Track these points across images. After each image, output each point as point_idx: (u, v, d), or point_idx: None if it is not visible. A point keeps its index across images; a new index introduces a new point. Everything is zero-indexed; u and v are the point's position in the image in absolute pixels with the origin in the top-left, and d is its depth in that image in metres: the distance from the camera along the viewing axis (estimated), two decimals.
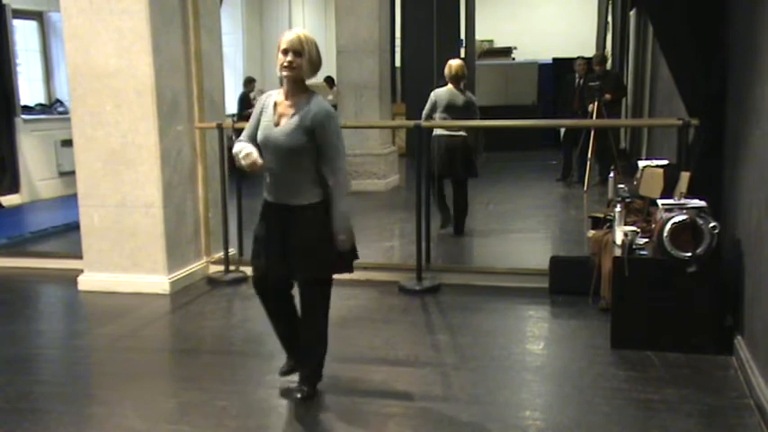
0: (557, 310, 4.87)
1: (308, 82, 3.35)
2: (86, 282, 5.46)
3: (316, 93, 3.36)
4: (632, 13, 11.40)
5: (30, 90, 10.23)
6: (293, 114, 3.26)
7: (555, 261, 5.17)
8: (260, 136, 3.32)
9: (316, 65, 3.27)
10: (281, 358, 3.80)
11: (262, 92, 5.75)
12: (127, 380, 3.86)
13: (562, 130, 11.01)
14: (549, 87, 14.58)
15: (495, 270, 5.56)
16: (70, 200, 6.83)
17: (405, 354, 4.13)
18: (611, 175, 5.51)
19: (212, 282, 5.61)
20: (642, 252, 4.10)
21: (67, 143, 7.37)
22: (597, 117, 9.21)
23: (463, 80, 6.70)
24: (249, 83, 12.55)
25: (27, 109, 9.79)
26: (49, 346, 4.48)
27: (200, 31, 5.54)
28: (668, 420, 3.25)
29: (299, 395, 3.48)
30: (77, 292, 5.45)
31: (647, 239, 4.15)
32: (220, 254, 5.72)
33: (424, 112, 6.65)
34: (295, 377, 3.58)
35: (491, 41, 16.79)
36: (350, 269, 3.48)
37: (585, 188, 9.39)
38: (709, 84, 4.43)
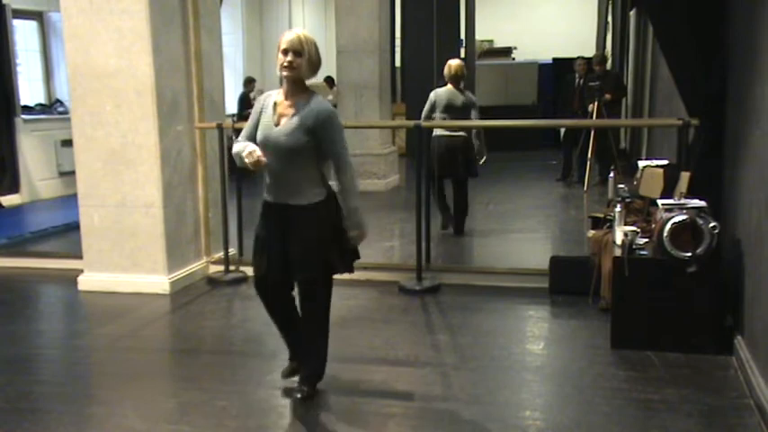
0: (557, 310, 4.87)
1: (308, 82, 3.35)
2: (86, 282, 5.46)
3: (315, 93, 3.36)
4: (632, 13, 11.40)
5: (30, 90, 10.23)
6: (293, 114, 3.26)
7: (555, 261, 5.17)
8: (260, 136, 3.32)
9: (315, 65, 3.27)
10: (281, 358, 3.80)
11: (262, 92, 5.75)
12: (127, 380, 3.86)
13: (562, 130, 11.01)
14: (549, 87, 14.58)
15: (495, 270, 5.56)
16: (70, 200, 6.83)
17: (405, 354, 4.13)
18: (611, 175, 5.51)
19: (212, 282, 5.61)
20: (642, 252, 4.10)
21: (67, 143, 7.37)
22: (597, 117, 9.21)
23: (463, 80, 6.70)
24: (249, 83, 12.56)
25: (27, 109, 9.79)
26: (49, 346, 4.48)
27: (200, 31, 5.55)
28: (668, 420, 3.25)
29: (299, 395, 3.48)
30: (77, 292, 5.45)
31: (647, 239, 4.15)
32: (220, 254, 5.72)
33: (424, 113, 6.65)
34: (295, 377, 3.58)
35: (491, 41, 16.80)
36: (350, 269, 3.48)
37: (585, 188, 9.39)
38: (709, 84, 4.43)
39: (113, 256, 5.39)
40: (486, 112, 7.45)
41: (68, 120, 5.53)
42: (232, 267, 5.66)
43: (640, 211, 4.57)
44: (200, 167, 5.70)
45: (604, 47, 13.54)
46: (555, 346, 4.30)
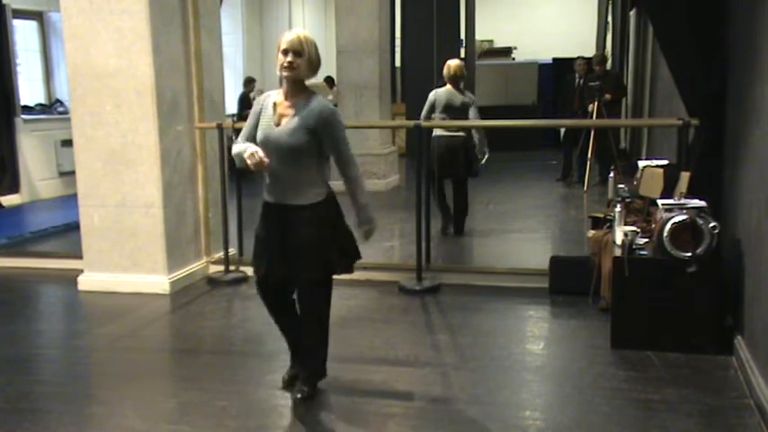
0: (557, 310, 4.87)
1: (308, 82, 3.35)
2: (86, 282, 5.46)
3: (315, 92, 3.37)
4: (632, 13, 11.40)
5: (30, 90, 10.23)
6: (294, 114, 3.26)
7: (555, 261, 5.17)
8: (260, 136, 3.31)
9: (315, 65, 3.27)
10: (281, 358, 3.80)
11: (261, 92, 5.75)
12: (127, 380, 3.86)
13: (562, 130, 11.01)
14: (549, 87, 14.58)
15: (495, 270, 5.56)
16: (70, 200, 6.83)
17: (405, 354, 4.13)
18: (611, 175, 5.51)
19: (212, 282, 5.61)
20: (642, 252, 4.10)
21: (67, 143, 7.38)
22: (597, 117, 9.21)
23: (462, 80, 6.70)
24: (249, 83, 12.56)
25: (27, 109, 9.79)
26: (49, 346, 4.48)
27: (200, 31, 5.55)
28: (668, 420, 3.25)
29: (299, 395, 3.48)
30: (77, 292, 5.45)
31: (647, 239, 4.15)
32: (220, 254, 5.72)
33: (423, 113, 6.65)
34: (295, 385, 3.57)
35: (491, 41, 16.80)
36: (350, 269, 3.48)
37: (585, 188, 9.39)
38: (709, 84, 4.43)
39: (113, 256, 5.39)
40: (486, 113, 7.43)
41: (68, 120, 5.53)
42: (232, 267, 5.66)
43: (640, 211, 4.57)
44: (200, 167, 5.70)
45: (604, 47, 13.54)
46: (555, 346, 4.30)
